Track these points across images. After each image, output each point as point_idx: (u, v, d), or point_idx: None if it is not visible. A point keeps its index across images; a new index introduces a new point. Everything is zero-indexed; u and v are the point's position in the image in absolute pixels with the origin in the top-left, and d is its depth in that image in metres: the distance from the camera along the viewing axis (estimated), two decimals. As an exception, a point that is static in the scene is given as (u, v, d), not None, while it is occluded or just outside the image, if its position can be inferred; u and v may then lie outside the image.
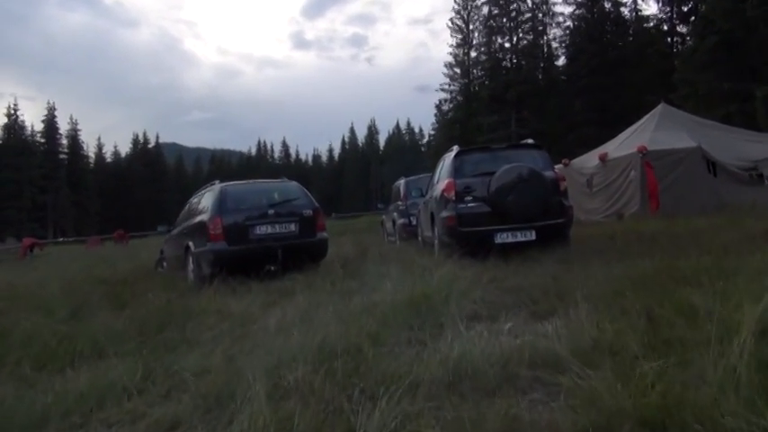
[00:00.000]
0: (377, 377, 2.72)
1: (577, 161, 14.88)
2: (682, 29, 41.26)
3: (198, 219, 7.88)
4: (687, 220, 10.63)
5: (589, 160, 14.79)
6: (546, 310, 4.12)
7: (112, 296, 6.77)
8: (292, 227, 7.42)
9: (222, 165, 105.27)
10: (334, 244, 15.73)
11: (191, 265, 7.87)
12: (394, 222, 14.62)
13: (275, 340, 3.70)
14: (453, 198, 7.33)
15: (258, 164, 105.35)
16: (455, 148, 7.93)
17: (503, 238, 7.14)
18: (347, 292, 5.29)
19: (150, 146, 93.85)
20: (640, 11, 44.26)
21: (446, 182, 7.53)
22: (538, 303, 4.41)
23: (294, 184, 8.33)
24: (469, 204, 7.27)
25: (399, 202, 14.11)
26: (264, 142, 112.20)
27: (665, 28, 42.53)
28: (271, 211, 7.47)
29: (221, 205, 7.47)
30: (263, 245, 7.30)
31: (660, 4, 41.58)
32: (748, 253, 5.32)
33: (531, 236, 7.14)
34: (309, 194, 7.99)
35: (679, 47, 42.08)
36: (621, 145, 14.17)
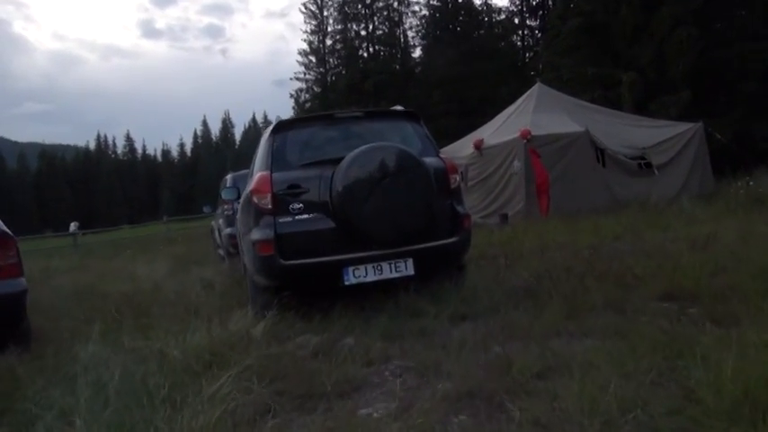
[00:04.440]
0: None
1: (449, 149, 12.27)
2: (532, 22, 41.89)
3: None
4: (592, 222, 8.38)
5: (462, 148, 12.31)
6: None
7: None
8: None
9: (54, 161, 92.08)
10: (142, 262, 11.78)
11: None
12: (220, 232, 10.98)
13: None
14: (269, 206, 4.05)
15: (99, 159, 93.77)
16: (277, 120, 4.63)
17: (358, 275, 4.00)
18: None
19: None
20: (491, 3, 44.17)
21: (257, 178, 4.23)
22: None
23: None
24: (298, 217, 4.04)
25: (226, 206, 10.48)
26: (105, 136, 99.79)
27: (516, 21, 42.88)
28: None
29: None
30: None
31: (510, -3, 41.79)
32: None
33: (407, 269, 4.09)
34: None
35: (530, 40, 42.75)
36: (499, 130, 11.83)
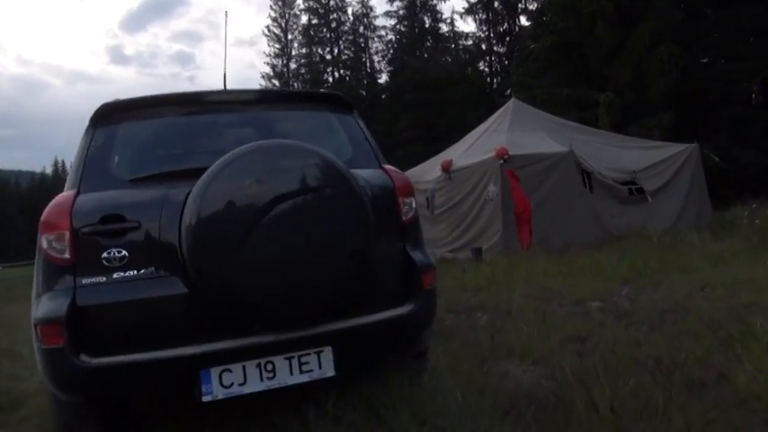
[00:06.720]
0: None
1: (412, 173, 10.57)
2: (499, 48, 41.25)
3: None
4: (587, 259, 6.73)
5: (428, 171, 10.65)
6: None
7: None
8: None
9: (7, 188, 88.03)
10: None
11: None
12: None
13: None
14: (65, 255, 2.21)
15: (57, 186, 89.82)
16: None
17: (228, 382, 2.18)
18: None
19: None
20: (457, 28, 43.66)
21: (51, 204, 2.39)
22: None
23: None
24: (119, 275, 2.20)
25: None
26: (63, 161, 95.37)
27: (483, 47, 42.25)
28: None
29: None
30: None
31: (478, 23, 41.24)
32: None
33: (323, 366, 2.28)
34: None
35: (497, 66, 42.05)
36: (471, 149, 10.23)
